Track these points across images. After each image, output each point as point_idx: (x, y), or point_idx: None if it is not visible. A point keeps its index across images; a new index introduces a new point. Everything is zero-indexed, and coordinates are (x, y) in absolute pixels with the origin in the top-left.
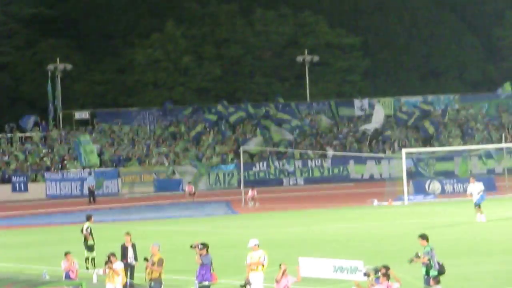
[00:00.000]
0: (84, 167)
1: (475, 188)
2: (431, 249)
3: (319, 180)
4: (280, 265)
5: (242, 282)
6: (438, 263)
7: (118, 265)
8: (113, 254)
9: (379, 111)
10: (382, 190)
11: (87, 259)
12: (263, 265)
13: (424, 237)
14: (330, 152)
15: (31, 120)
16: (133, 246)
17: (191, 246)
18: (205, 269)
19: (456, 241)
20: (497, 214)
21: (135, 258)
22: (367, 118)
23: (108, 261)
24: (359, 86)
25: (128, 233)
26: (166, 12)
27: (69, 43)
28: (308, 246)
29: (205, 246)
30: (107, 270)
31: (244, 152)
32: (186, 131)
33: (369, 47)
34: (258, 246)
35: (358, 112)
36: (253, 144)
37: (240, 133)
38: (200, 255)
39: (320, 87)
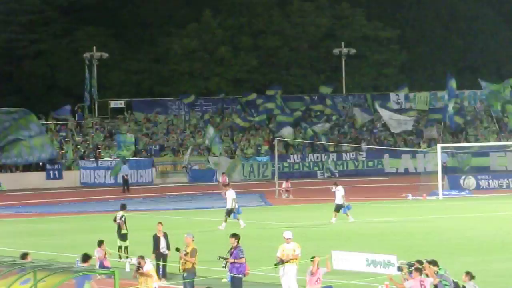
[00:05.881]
0: (118, 156)
1: (229, 194)
2: (444, 271)
3: (353, 173)
4: (313, 257)
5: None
6: (454, 282)
7: (149, 267)
8: (141, 257)
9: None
10: (417, 184)
11: (120, 248)
12: (296, 258)
13: (433, 263)
14: (364, 146)
15: (67, 109)
16: (165, 235)
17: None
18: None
19: (490, 237)
20: None
21: (168, 247)
22: (403, 111)
23: (138, 268)
24: (395, 79)
25: (160, 223)
26: (203, 2)
27: (106, 31)
28: (341, 239)
29: (236, 237)
30: (137, 276)
31: (279, 143)
32: (221, 121)
33: (406, 41)
34: (291, 239)
35: (394, 106)
36: (288, 136)
37: (275, 124)
38: (233, 247)
39: (356, 80)
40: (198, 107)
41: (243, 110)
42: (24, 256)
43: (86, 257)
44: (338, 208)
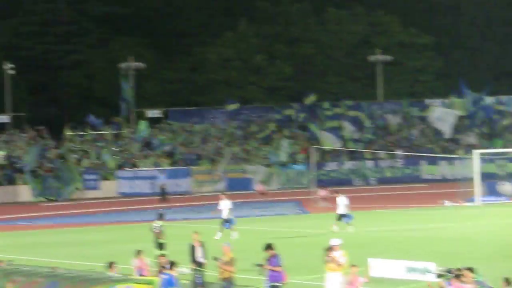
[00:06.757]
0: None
1: (225, 204)
2: (482, 278)
3: (390, 181)
4: (351, 266)
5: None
6: None
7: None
8: (163, 255)
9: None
10: (454, 191)
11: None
12: (341, 266)
13: (470, 270)
14: (399, 153)
15: (100, 119)
16: (202, 244)
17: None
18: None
19: None
20: None
21: (204, 257)
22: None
23: (162, 267)
24: (431, 86)
25: (196, 232)
26: (238, 11)
27: (142, 41)
28: (379, 246)
29: (271, 247)
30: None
31: (316, 151)
32: (258, 130)
33: (442, 47)
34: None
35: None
36: (330, 144)
37: (311, 132)
38: (269, 255)
39: (392, 87)
40: (234, 116)
41: (278, 119)
42: (110, 265)
43: (172, 264)
44: (340, 217)
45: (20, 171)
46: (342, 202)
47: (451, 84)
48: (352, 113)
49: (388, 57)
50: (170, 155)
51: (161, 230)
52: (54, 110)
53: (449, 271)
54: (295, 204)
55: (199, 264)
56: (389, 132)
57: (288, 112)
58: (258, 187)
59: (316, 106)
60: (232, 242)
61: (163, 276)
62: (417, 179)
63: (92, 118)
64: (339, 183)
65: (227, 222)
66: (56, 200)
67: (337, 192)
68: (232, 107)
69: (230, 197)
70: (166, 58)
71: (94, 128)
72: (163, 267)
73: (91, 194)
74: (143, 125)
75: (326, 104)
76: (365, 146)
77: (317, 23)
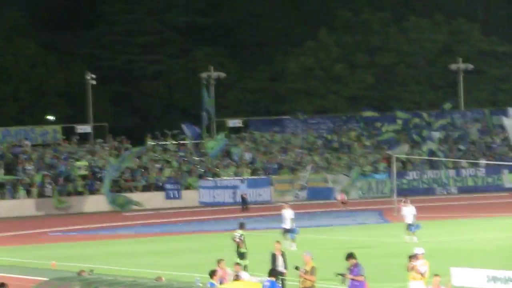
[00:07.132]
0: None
1: (287, 214)
2: None
3: (472, 189)
4: (433, 275)
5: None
6: None
7: (246, 277)
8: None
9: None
10: None
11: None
12: (423, 275)
13: None
14: (482, 162)
15: (192, 128)
16: (283, 254)
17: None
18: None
19: None
20: None
21: (285, 266)
22: None
23: (236, 275)
24: None
25: (278, 242)
26: (319, 20)
27: (223, 51)
28: (460, 256)
29: (353, 256)
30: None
31: (397, 160)
32: (338, 139)
33: None
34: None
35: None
36: (405, 153)
37: (393, 141)
38: (351, 265)
39: (474, 96)
40: (315, 125)
41: (361, 128)
42: (212, 273)
43: (274, 272)
44: (408, 226)
45: (102, 180)
46: (408, 212)
47: None
48: (433, 121)
49: (469, 66)
50: (250, 164)
51: (242, 240)
52: (136, 120)
53: None
54: (376, 213)
55: (280, 273)
56: (471, 140)
57: (370, 121)
58: (339, 196)
59: (396, 114)
60: (311, 251)
61: (266, 283)
62: (499, 188)
63: (190, 126)
64: (421, 192)
65: (290, 232)
66: (119, 212)
67: (404, 201)
68: (300, 116)
69: (311, 206)
70: (247, 67)
71: (175, 137)
72: (238, 275)
73: (173, 203)
74: (211, 143)
75: (403, 114)
76: (447, 155)
77: (397, 32)
